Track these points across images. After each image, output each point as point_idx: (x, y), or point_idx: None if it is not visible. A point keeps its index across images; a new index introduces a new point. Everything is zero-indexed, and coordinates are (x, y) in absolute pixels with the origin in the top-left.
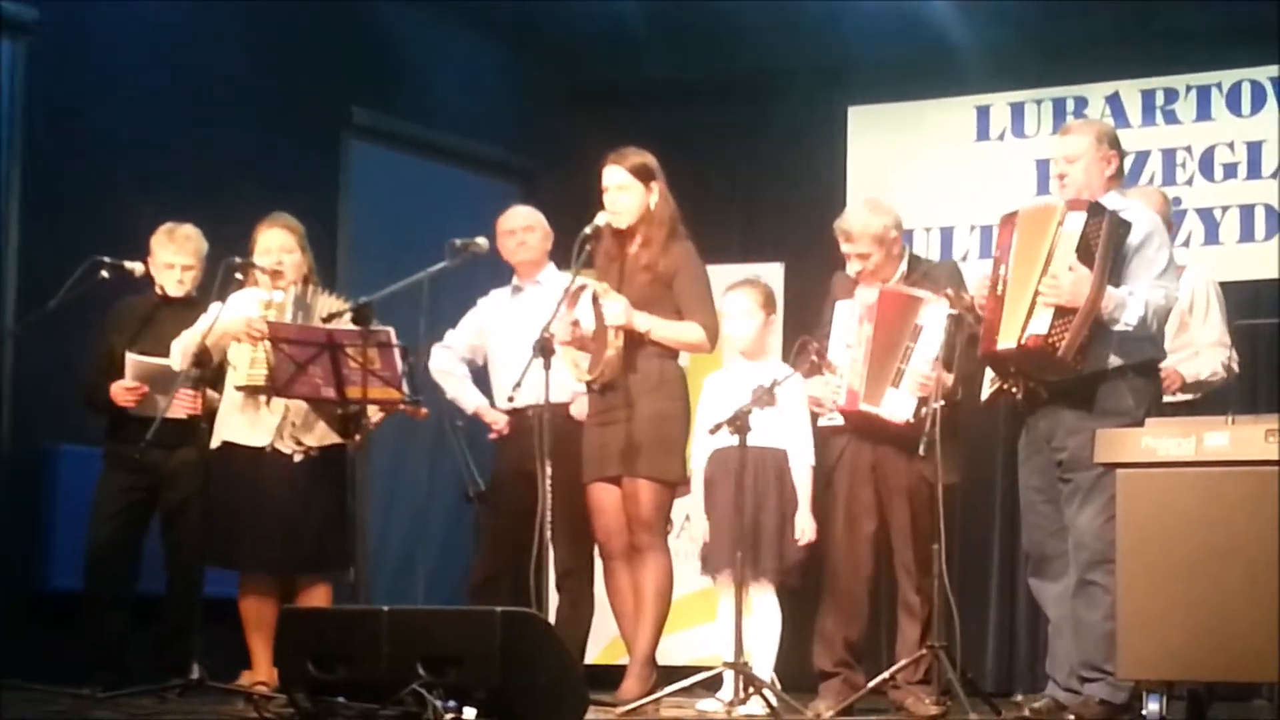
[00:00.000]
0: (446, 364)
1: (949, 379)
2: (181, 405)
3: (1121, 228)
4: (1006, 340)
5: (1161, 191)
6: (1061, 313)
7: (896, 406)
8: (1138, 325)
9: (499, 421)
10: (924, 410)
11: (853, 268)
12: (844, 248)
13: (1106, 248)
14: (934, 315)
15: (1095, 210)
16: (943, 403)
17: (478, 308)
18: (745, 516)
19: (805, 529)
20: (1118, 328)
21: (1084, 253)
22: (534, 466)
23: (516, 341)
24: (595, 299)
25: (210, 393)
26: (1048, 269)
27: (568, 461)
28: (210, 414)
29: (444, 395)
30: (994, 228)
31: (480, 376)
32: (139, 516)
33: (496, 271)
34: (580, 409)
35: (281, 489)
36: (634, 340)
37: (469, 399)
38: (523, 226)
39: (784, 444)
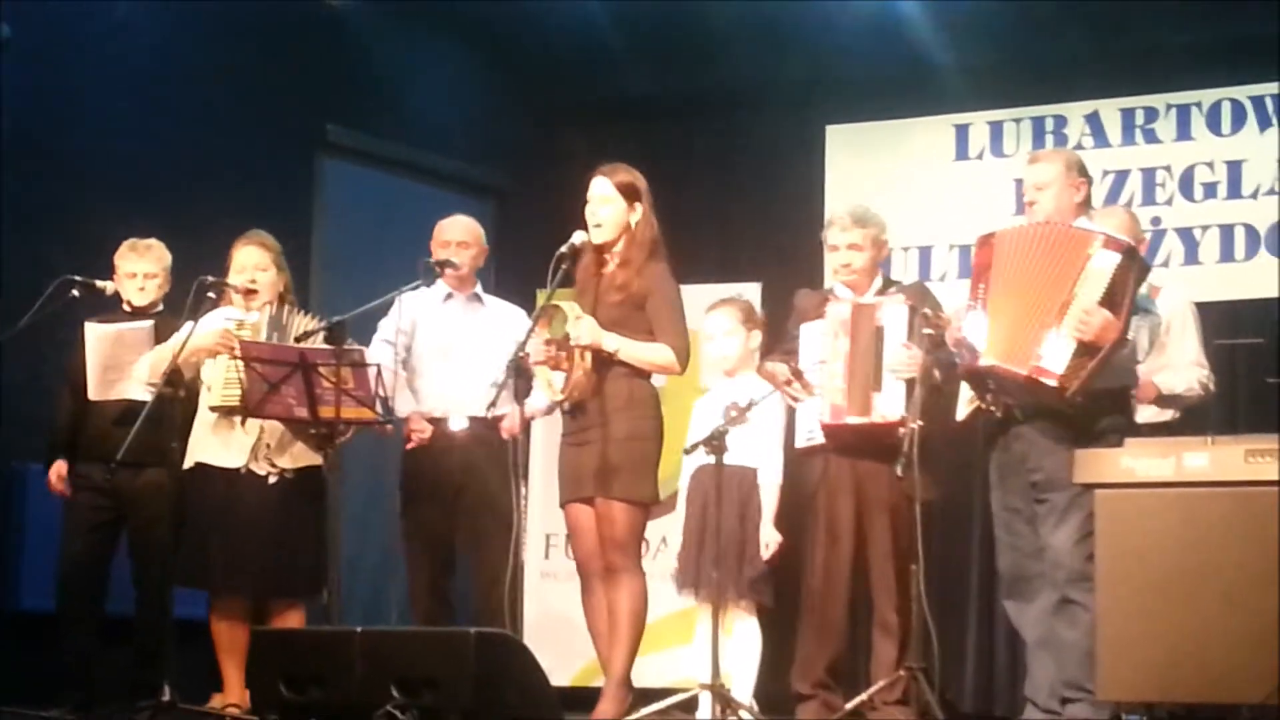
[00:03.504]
0: (388, 360)
1: (925, 358)
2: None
3: (1144, 274)
4: (994, 356)
5: (1130, 211)
6: (1082, 351)
7: (887, 407)
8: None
9: (425, 431)
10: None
11: (839, 260)
12: (837, 239)
13: (1133, 294)
14: (892, 313)
15: (1131, 254)
16: (920, 423)
17: (404, 305)
18: (720, 535)
19: (769, 541)
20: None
21: (1110, 295)
22: (455, 481)
23: (445, 353)
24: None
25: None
26: (1070, 299)
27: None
28: (183, 434)
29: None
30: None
31: None
32: (107, 536)
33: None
34: (511, 424)
35: (255, 511)
36: (604, 360)
37: (402, 402)
38: (457, 241)
39: (755, 462)
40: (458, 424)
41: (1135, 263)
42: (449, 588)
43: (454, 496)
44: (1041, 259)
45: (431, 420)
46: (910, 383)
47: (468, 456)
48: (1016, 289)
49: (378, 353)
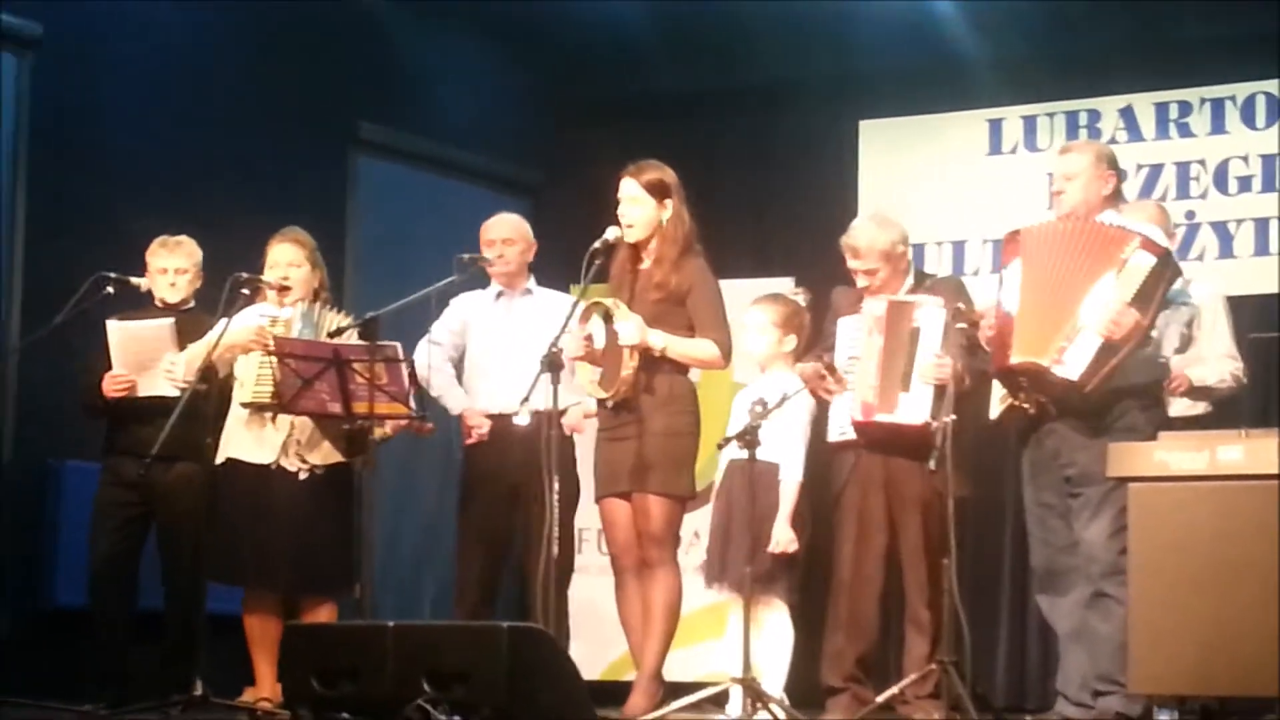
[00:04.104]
0: (435, 361)
1: (958, 365)
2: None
3: (1176, 277)
4: (1023, 354)
5: (1160, 205)
6: (1106, 348)
7: (912, 409)
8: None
9: (483, 426)
10: (939, 408)
11: (860, 283)
12: (851, 264)
13: (1162, 297)
14: (929, 315)
15: (1167, 259)
16: (954, 417)
17: (455, 307)
18: (742, 529)
19: (780, 539)
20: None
21: (1141, 297)
22: (513, 478)
23: (501, 349)
24: (608, 316)
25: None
26: (1101, 297)
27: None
28: (216, 429)
29: (429, 394)
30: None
31: None
32: (137, 531)
33: None
34: (572, 420)
35: (286, 507)
36: (648, 357)
37: (455, 400)
38: (502, 239)
39: (778, 459)
40: (523, 419)
41: (1169, 268)
42: (498, 584)
43: (515, 492)
44: (1073, 256)
45: (490, 416)
46: (940, 386)
47: (531, 452)
48: (1045, 286)
49: (422, 354)
